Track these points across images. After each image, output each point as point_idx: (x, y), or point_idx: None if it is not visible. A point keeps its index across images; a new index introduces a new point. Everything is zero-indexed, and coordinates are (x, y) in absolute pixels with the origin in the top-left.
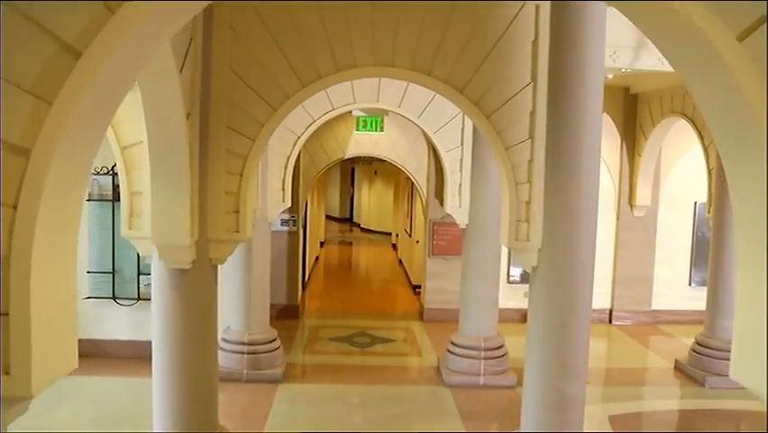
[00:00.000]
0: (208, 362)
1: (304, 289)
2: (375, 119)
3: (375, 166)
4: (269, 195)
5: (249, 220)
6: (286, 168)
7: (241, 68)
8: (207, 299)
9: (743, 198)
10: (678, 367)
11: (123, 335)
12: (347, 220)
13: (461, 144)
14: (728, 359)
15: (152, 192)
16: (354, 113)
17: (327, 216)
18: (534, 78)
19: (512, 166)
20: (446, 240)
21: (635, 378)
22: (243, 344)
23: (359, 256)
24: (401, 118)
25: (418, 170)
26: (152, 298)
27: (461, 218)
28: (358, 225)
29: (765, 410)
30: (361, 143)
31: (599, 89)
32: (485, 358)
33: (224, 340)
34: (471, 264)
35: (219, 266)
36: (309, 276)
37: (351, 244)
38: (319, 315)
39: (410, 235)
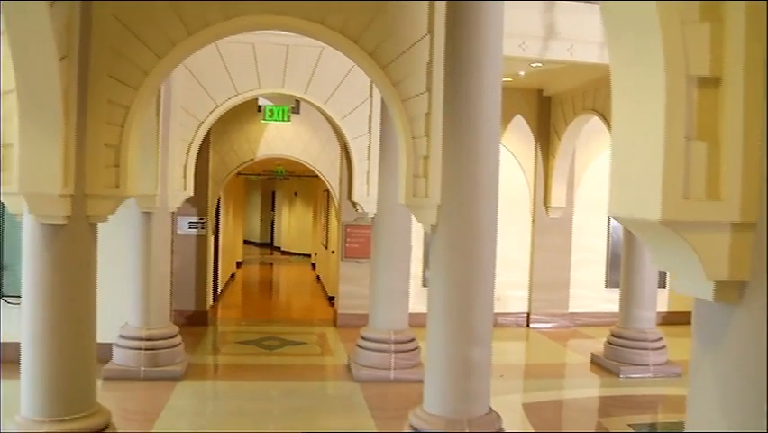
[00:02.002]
0: (84, 333)
1: (216, 300)
2: (282, 108)
3: (295, 187)
4: (169, 181)
5: (131, 175)
6: (188, 154)
7: (124, 13)
8: (84, 262)
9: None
10: (594, 360)
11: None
12: (268, 245)
13: (369, 132)
14: (643, 348)
15: (20, 138)
16: (261, 101)
17: (248, 242)
18: (431, 30)
19: (409, 119)
20: (359, 243)
21: (551, 372)
22: (141, 339)
23: (277, 275)
24: (314, 119)
25: (331, 172)
26: (23, 258)
27: (370, 207)
28: (278, 249)
29: (681, 394)
30: (272, 145)
31: (499, 42)
32: (395, 352)
33: (121, 337)
34: (380, 254)
35: (115, 259)
36: (223, 290)
37: (271, 264)
38: (230, 323)
39: (326, 247)
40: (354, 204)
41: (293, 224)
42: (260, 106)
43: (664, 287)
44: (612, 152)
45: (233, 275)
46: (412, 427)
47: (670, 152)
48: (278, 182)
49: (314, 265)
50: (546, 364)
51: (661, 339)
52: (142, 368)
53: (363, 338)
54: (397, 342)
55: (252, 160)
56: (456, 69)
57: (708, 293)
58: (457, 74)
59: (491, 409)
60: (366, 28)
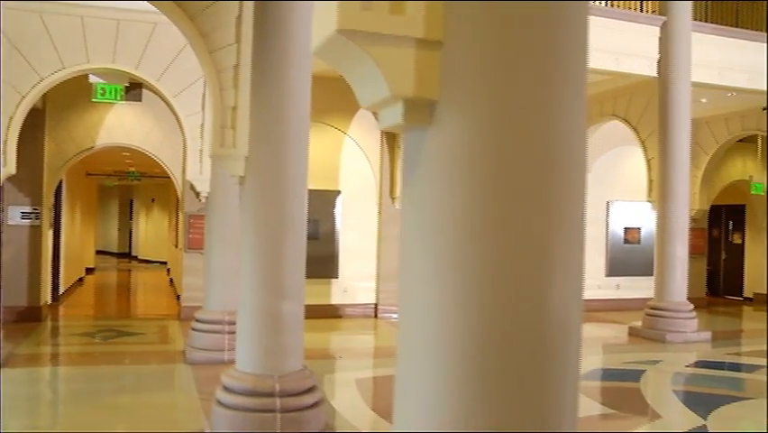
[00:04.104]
0: None
1: (57, 300)
2: (115, 87)
3: (152, 193)
4: None
5: None
6: (9, 128)
7: None
8: None
9: None
10: None
11: None
12: (126, 255)
13: (203, 110)
14: None
15: None
16: (92, 78)
17: (106, 252)
18: None
19: (217, 71)
20: (202, 233)
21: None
22: None
23: (130, 280)
24: (157, 109)
25: (174, 162)
26: None
27: (203, 186)
28: (136, 258)
29: None
30: (113, 133)
31: None
32: (229, 333)
33: None
34: (213, 233)
35: None
36: (69, 291)
37: (127, 271)
38: (69, 319)
39: (176, 246)
40: (197, 194)
41: (150, 231)
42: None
43: None
44: None
45: (81, 279)
46: (223, 386)
47: None
48: (135, 190)
49: (169, 270)
50: (386, 347)
51: None
52: None
53: (197, 321)
54: (230, 323)
55: (92, 148)
56: (265, 22)
57: (399, 114)
58: (266, 27)
59: (305, 366)
60: None
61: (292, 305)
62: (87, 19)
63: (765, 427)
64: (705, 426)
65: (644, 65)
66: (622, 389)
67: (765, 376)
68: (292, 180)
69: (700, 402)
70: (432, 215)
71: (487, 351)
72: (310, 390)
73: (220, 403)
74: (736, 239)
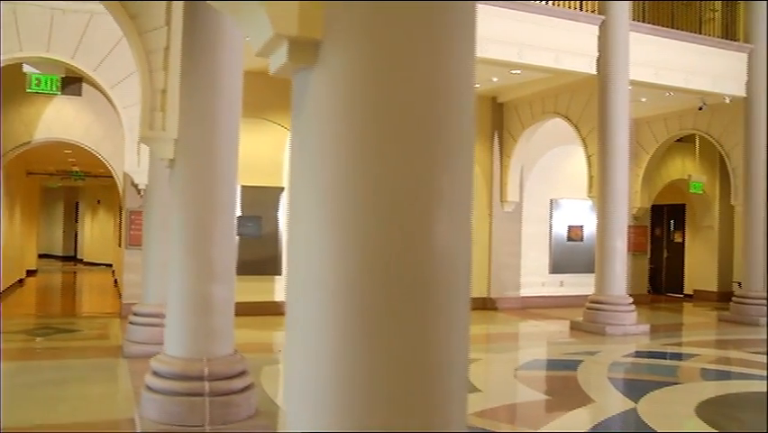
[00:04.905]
0: None
1: None
2: (51, 78)
3: (98, 195)
4: None
5: None
6: None
7: None
8: None
9: None
10: None
11: None
12: (72, 258)
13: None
14: None
15: None
16: (25, 68)
17: (50, 256)
18: None
19: (146, 52)
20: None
21: None
22: None
23: (73, 282)
24: (97, 105)
25: (114, 157)
26: None
27: (141, 179)
28: (82, 261)
29: None
30: (52, 127)
31: None
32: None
33: None
34: (151, 226)
35: None
36: (5, 292)
37: (73, 273)
38: (5, 318)
39: (120, 245)
40: (138, 189)
41: (96, 234)
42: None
43: None
44: None
45: (21, 280)
46: (153, 371)
47: None
48: (80, 191)
49: (114, 272)
50: None
51: None
52: None
53: (135, 314)
54: None
55: (29, 142)
56: (196, 6)
57: (284, 54)
58: (196, 10)
59: (236, 350)
60: None
61: (222, 288)
62: (21, 7)
63: (692, 409)
64: (635, 408)
65: (584, 63)
66: (559, 377)
67: (699, 364)
68: (222, 163)
69: (634, 388)
70: (317, 154)
71: (373, 289)
72: (240, 374)
73: (149, 388)
74: (677, 238)
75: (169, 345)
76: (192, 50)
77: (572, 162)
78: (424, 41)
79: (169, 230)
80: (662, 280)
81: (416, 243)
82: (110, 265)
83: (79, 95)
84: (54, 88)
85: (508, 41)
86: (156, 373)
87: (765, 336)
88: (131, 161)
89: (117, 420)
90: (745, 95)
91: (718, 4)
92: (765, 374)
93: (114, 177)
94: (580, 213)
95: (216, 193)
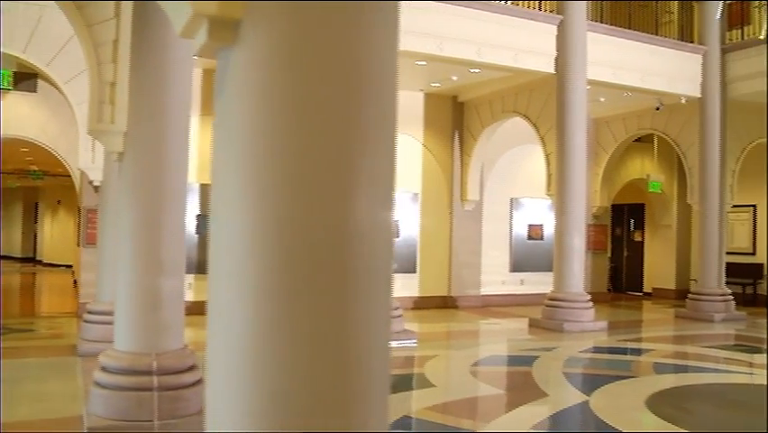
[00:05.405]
0: None
1: None
2: (2, 72)
3: (58, 195)
4: None
5: None
6: None
7: None
8: None
9: None
10: None
11: None
12: (31, 259)
13: None
14: None
15: None
16: None
17: (8, 257)
18: None
19: (95, 45)
20: None
21: None
22: None
23: (31, 282)
24: (53, 102)
25: (71, 154)
26: None
27: (96, 175)
28: (41, 263)
29: None
30: (5, 124)
31: None
32: None
33: None
34: (106, 223)
35: None
36: None
37: (32, 274)
38: None
39: (78, 245)
40: (95, 187)
41: (56, 235)
42: None
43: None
44: None
45: None
46: (101, 367)
47: None
48: (40, 192)
49: (74, 272)
50: None
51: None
52: None
53: (89, 312)
54: None
55: None
56: (144, 3)
57: (204, 34)
58: (146, 7)
59: (186, 345)
60: None
61: (171, 281)
62: None
63: (642, 401)
64: (587, 402)
65: (543, 62)
66: (514, 372)
67: (653, 358)
68: (171, 156)
69: (587, 382)
70: (236, 132)
71: (291, 268)
72: (190, 368)
73: (97, 384)
74: (637, 237)
75: (118, 340)
76: (141, 47)
77: (532, 161)
78: (344, 21)
79: (118, 224)
80: (622, 278)
81: (335, 226)
82: (70, 266)
83: (35, 91)
84: (6, 83)
85: (467, 40)
86: (104, 369)
87: (719, 332)
88: (85, 158)
89: (66, 418)
90: (699, 95)
91: (674, 5)
92: (718, 368)
93: (72, 175)
94: (540, 212)
95: (166, 187)
